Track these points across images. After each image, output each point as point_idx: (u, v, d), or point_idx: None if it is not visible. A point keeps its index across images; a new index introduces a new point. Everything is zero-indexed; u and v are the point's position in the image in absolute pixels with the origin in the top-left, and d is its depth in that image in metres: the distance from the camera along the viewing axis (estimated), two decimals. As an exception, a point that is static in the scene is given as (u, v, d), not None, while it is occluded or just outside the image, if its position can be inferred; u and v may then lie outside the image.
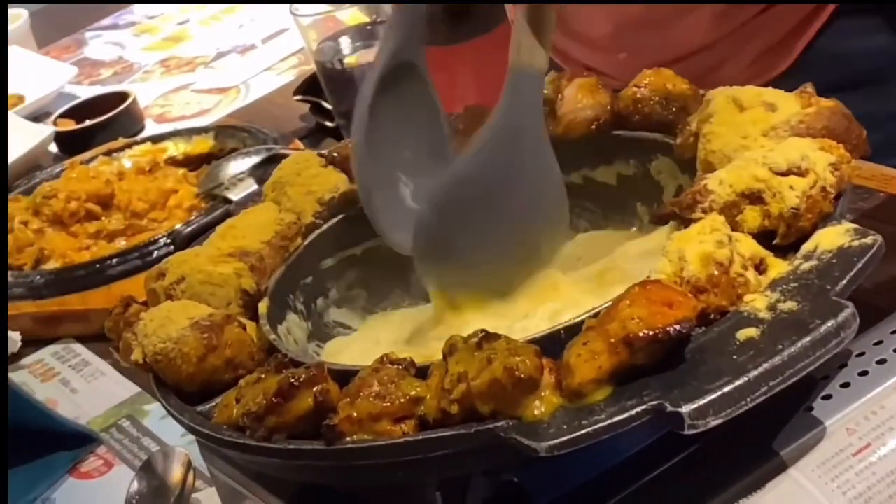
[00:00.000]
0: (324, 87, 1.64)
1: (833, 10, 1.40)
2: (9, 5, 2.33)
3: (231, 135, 1.69)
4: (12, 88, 2.07)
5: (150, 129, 1.92)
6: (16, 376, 1.41)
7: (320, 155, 1.07)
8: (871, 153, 1.26)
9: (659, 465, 0.84)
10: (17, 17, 2.29)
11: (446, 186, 1.00)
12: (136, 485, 1.13)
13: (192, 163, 1.69)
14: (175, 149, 1.71)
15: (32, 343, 1.45)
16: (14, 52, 2.16)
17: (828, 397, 0.85)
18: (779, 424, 0.84)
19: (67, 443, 1.26)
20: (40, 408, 1.26)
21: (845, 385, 0.85)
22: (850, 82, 1.40)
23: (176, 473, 1.13)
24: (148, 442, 1.24)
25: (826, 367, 0.85)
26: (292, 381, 0.81)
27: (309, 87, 1.76)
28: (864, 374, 0.86)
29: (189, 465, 1.13)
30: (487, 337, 0.79)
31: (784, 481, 0.80)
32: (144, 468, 1.15)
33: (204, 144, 1.71)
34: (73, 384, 1.37)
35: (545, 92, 1.04)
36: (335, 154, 1.07)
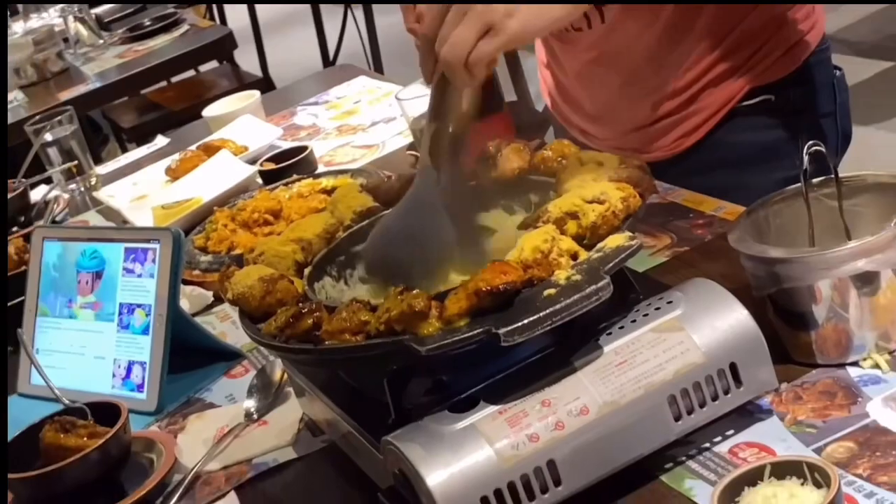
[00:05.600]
0: (417, 147, 1.87)
1: (730, 110, 1.54)
2: (250, 89, 2.57)
3: (360, 174, 1.90)
4: (241, 142, 2.32)
5: (321, 170, 2.14)
6: (207, 318, 1.65)
7: (361, 185, 1.29)
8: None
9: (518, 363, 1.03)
10: (251, 96, 2.49)
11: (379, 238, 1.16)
12: (254, 380, 1.36)
13: (334, 191, 1.90)
14: (326, 182, 1.92)
15: (219, 299, 1.68)
16: (245, 119, 2.39)
17: (610, 333, 1.01)
18: (578, 348, 1.00)
19: (226, 357, 1.51)
20: (210, 335, 1.51)
21: (621, 327, 1.01)
22: (743, 161, 1.56)
23: (277, 374, 1.36)
24: (272, 359, 1.46)
25: (615, 315, 1.03)
26: (302, 309, 1.02)
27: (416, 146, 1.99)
28: (633, 321, 1.01)
29: (285, 370, 1.35)
30: (407, 289, 0.98)
31: (571, 379, 0.98)
32: (260, 371, 1.38)
33: (343, 181, 1.91)
34: (238, 324, 1.61)
35: (491, 149, 1.22)
36: (367, 185, 1.28)
